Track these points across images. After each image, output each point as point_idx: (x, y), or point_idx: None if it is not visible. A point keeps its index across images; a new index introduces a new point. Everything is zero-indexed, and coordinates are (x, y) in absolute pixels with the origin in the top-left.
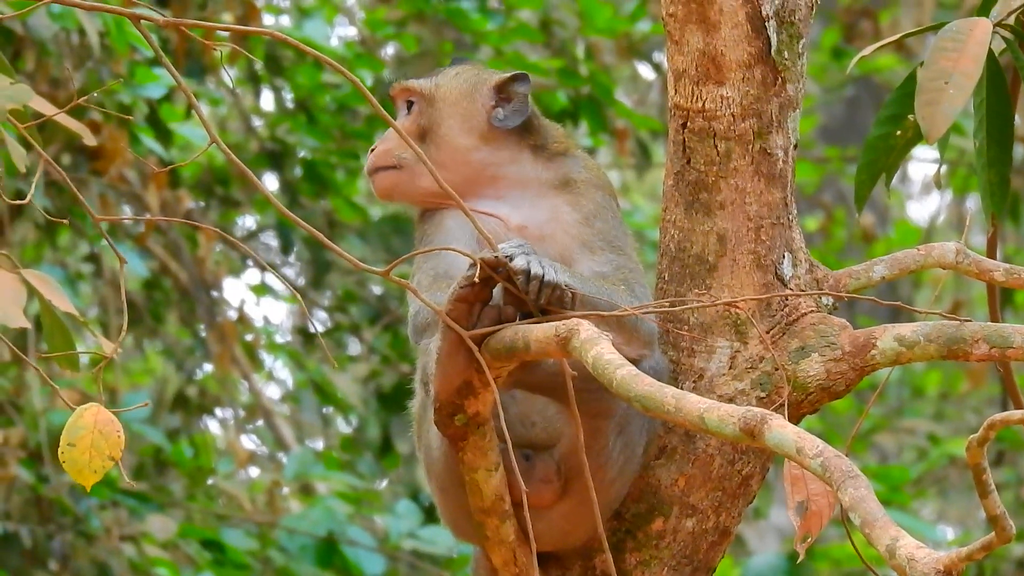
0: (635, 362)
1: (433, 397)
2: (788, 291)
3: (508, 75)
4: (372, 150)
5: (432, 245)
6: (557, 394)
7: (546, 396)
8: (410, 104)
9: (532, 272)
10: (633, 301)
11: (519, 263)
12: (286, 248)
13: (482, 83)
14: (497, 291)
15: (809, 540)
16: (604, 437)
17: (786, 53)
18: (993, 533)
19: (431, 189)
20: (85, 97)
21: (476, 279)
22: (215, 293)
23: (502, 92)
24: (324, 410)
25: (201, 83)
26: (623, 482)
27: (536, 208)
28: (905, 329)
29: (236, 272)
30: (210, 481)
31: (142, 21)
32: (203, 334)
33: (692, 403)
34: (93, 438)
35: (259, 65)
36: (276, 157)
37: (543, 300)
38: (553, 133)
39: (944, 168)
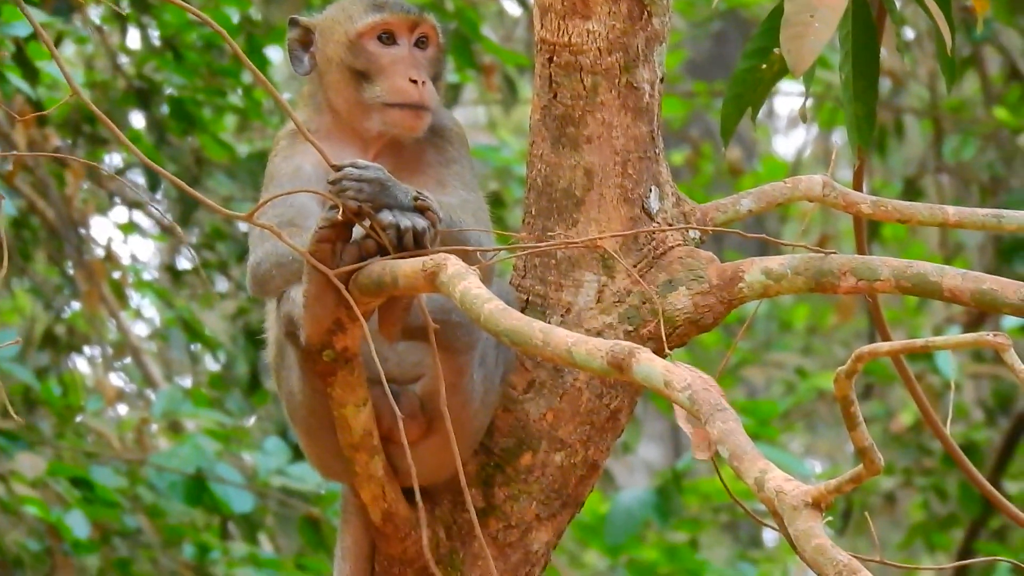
0: None
1: (304, 340)
2: (655, 225)
3: None
4: (413, 81)
5: (283, 188)
6: (418, 335)
7: (409, 338)
8: (423, 39)
9: (401, 227)
10: (479, 233)
11: (385, 218)
12: (153, 186)
13: None
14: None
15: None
16: (467, 372)
17: None
18: (861, 466)
19: None
20: None
21: (339, 218)
22: (83, 231)
23: None
24: (192, 347)
25: (68, 21)
26: (486, 412)
27: (403, 152)
28: (773, 262)
29: (104, 210)
30: (79, 419)
31: None
32: (71, 272)
33: (560, 337)
34: None
35: (125, 3)
36: (143, 95)
37: (408, 248)
38: None
39: (810, 102)
